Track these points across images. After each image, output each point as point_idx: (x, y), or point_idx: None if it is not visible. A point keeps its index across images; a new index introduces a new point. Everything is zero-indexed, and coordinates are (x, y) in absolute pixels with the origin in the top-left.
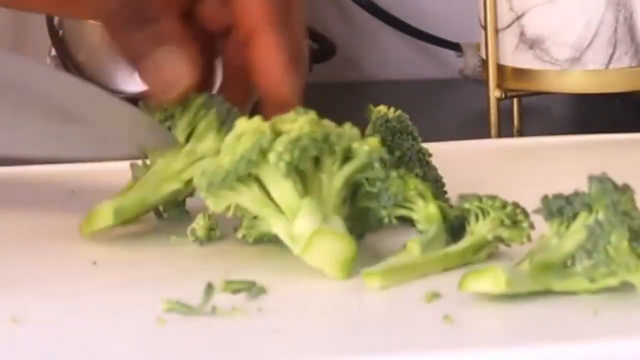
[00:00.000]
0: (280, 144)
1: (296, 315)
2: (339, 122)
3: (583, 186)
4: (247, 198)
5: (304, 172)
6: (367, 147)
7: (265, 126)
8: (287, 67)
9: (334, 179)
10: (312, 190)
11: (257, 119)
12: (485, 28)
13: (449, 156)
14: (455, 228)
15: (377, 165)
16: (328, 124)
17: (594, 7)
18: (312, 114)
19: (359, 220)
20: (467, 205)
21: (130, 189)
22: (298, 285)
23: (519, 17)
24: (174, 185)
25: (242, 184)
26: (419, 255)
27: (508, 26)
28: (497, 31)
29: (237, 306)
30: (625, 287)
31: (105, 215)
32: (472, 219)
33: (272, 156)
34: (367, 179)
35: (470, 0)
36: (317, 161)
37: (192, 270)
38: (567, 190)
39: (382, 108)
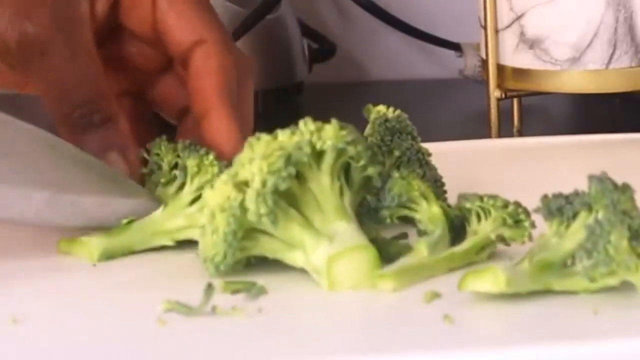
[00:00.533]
0: (250, 202)
1: (296, 315)
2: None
3: (583, 186)
4: (257, 251)
5: (293, 196)
6: (329, 132)
7: (230, 190)
8: (237, 145)
9: (321, 180)
10: (309, 205)
11: (219, 187)
12: (485, 28)
13: (449, 156)
14: (455, 228)
15: (347, 138)
16: (281, 136)
17: (594, 7)
18: (260, 138)
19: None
20: (468, 205)
21: (121, 231)
22: (298, 285)
23: (519, 17)
24: (164, 241)
25: (245, 242)
26: (427, 256)
27: (508, 26)
28: (497, 31)
29: (237, 306)
30: (625, 287)
31: (91, 251)
32: (473, 218)
33: (251, 217)
34: (351, 157)
35: (470, 0)
36: (298, 176)
37: (192, 271)
38: (567, 190)
39: (382, 108)
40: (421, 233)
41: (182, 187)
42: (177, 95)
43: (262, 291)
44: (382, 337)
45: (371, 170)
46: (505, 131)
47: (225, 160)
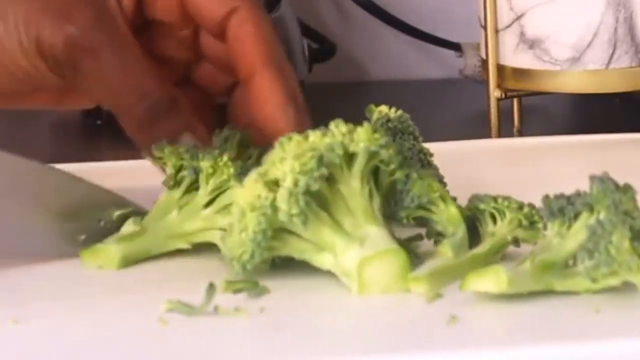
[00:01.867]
0: (282, 202)
1: (298, 315)
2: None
3: (583, 186)
4: (284, 252)
5: (323, 197)
6: (361, 135)
7: (260, 188)
8: (284, 104)
9: (351, 183)
10: (338, 207)
11: (249, 186)
12: (485, 28)
13: (449, 156)
14: (469, 229)
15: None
16: (313, 137)
17: (594, 7)
18: (291, 137)
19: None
20: (482, 206)
21: (139, 235)
22: (300, 285)
23: (519, 17)
24: (181, 245)
25: (273, 242)
26: (451, 258)
27: (508, 26)
28: (497, 31)
29: (240, 306)
30: (626, 287)
31: (111, 258)
32: (487, 219)
33: (282, 217)
34: (381, 161)
35: (470, 0)
36: (328, 178)
37: (194, 270)
38: (567, 190)
39: (383, 108)
40: (432, 234)
41: (189, 189)
42: (218, 77)
43: (264, 291)
44: (384, 337)
45: (399, 174)
46: (505, 131)
47: (269, 123)
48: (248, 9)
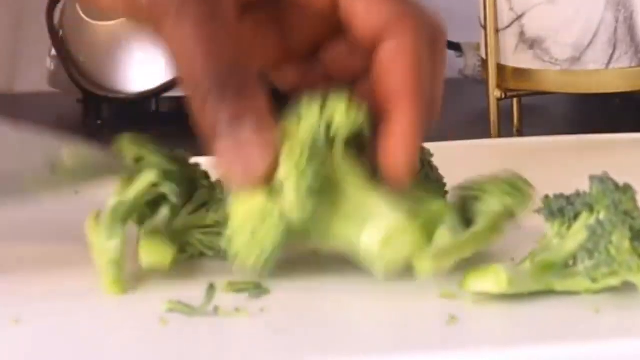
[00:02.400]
0: (292, 211)
1: (299, 315)
2: None
3: (583, 186)
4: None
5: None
6: (337, 116)
7: (262, 200)
8: (410, 155)
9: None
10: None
11: (249, 198)
12: (485, 28)
13: (449, 156)
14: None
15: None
16: (289, 125)
17: (593, 7)
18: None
19: None
20: (462, 193)
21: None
22: (300, 285)
23: (519, 17)
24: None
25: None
26: (454, 239)
27: (508, 26)
28: (497, 31)
29: (240, 306)
30: (626, 287)
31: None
32: (473, 202)
33: (293, 226)
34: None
35: (470, 0)
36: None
37: (195, 270)
38: (567, 190)
39: None
40: None
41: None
42: (348, 61)
43: (265, 292)
44: (384, 337)
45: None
46: (505, 131)
47: (391, 168)
48: (413, 40)
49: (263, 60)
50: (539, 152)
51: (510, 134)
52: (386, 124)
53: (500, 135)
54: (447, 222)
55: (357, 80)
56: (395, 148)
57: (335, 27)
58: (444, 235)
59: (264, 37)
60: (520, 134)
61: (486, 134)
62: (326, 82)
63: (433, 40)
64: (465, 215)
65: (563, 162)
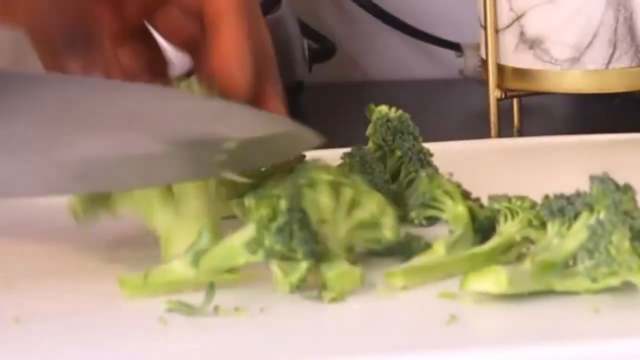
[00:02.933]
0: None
1: (299, 315)
2: (339, 122)
3: (583, 186)
4: None
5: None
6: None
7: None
8: (241, 63)
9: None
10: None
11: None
12: (485, 28)
13: (449, 156)
14: (485, 229)
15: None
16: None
17: (594, 7)
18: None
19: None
20: (496, 206)
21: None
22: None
23: (519, 17)
24: None
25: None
26: (444, 256)
27: (508, 26)
28: (497, 31)
29: (239, 306)
30: (626, 287)
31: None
32: (501, 219)
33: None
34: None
35: (470, 0)
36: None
37: None
38: (567, 190)
39: (384, 108)
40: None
41: None
42: (182, 25)
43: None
44: (383, 337)
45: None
46: (505, 131)
47: (224, 72)
48: None
49: (105, 33)
50: (539, 152)
51: (510, 134)
52: (216, 37)
53: (500, 135)
54: (454, 233)
55: (191, 45)
56: (227, 54)
57: None
58: (437, 250)
59: (102, 12)
60: (520, 134)
61: (486, 134)
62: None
63: None
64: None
65: (563, 162)
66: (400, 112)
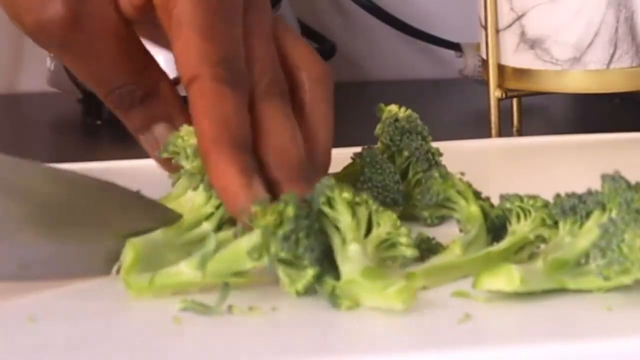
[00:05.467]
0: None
1: (312, 314)
2: (339, 122)
3: (584, 186)
4: None
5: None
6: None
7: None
8: (242, 183)
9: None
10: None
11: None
12: (485, 28)
13: (449, 156)
14: (496, 228)
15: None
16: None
17: (594, 7)
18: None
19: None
20: (508, 205)
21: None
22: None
23: (519, 17)
24: None
25: None
26: (460, 255)
27: (509, 26)
28: (497, 31)
29: (254, 305)
30: (638, 285)
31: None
32: (513, 218)
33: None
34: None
35: (470, 0)
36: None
37: None
38: (567, 189)
39: (393, 107)
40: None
41: None
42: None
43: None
44: (396, 336)
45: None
46: (505, 131)
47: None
48: (208, 80)
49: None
50: (539, 152)
51: (510, 134)
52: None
53: (500, 135)
54: (469, 233)
55: None
56: (223, 189)
57: None
58: (453, 249)
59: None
60: (520, 133)
61: (486, 134)
62: None
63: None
64: (503, 226)
65: (563, 162)
66: (409, 111)
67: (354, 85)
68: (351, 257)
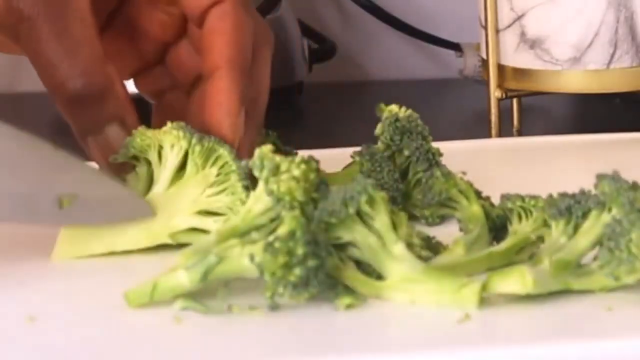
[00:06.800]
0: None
1: (312, 313)
2: (339, 122)
3: (584, 185)
4: None
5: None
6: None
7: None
8: (234, 113)
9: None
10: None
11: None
12: (485, 28)
13: (449, 156)
14: (497, 228)
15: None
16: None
17: (595, 7)
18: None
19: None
20: (509, 205)
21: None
22: None
23: (519, 17)
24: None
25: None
26: (463, 255)
27: (509, 26)
28: (497, 31)
29: (254, 305)
30: (638, 285)
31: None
32: (514, 218)
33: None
34: None
35: (470, 0)
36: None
37: None
38: (568, 189)
39: (394, 107)
40: (463, 231)
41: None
42: (191, 62)
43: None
44: (397, 336)
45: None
46: (505, 131)
47: (213, 125)
48: (233, 5)
49: (122, 71)
50: (539, 152)
51: (509, 134)
52: (208, 86)
53: (500, 136)
54: (471, 232)
55: (192, 87)
56: (218, 104)
57: (180, 30)
58: (456, 249)
59: (119, 50)
60: (520, 133)
61: (486, 134)
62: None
63: (256, 25)
64: (504, 227)
65: (563, 162)
66: (409, 111)
67: (354, 85)
68: (399, 256)
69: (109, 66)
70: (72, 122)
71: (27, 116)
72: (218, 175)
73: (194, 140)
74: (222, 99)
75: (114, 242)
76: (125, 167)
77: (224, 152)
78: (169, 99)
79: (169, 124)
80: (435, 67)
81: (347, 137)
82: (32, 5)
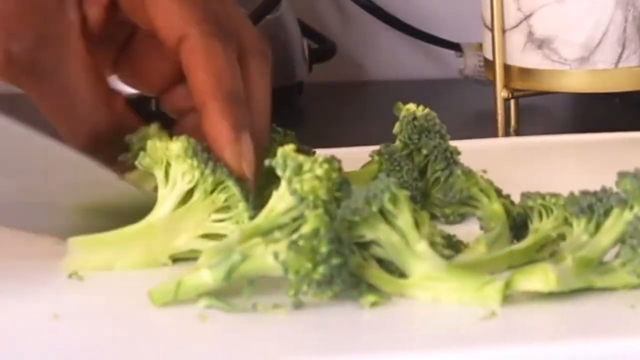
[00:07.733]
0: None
1: (337, 311)
2: (339, 122)
3: (584, 185)
4: None
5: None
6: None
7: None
8: (227, 141)
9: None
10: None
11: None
12: (492, 28)
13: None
14: (517, 226)
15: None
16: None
17: (603, 7)
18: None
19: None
20: (530, 203)
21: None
22: None
23: (527, 17)
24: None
25: None
26: (484, 253)
27: (515, 26)
28: (504, 31)
29: (278, 303)
30: None
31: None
32: (535, 216)
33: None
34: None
35: (471, 0)
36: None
37: None
38: (567, 189)
39: (411, 106)
40: (483, 229)
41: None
42: (185, 102)
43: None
44: (423, 333)
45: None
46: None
47: (220, 156)
48: (198, 37)
49: (147, 90)
50: (539, 152)
51: (509, 134)
52: (201, 123)
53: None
54: (493, 230)
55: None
56: (213, 139)
57: (179, 73)
58: (478, 247)
59: (143, 69)
60: (517, 133)
61: (487, 134)
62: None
63: (240, 46)
64: (527, 225)
65: (563, 162)
66: (427, 110)
67: (354, 85)
68: (421, 254)
69: (116, 101)
70: (92, 155)
71: (27, 116)
72: (225, 200)
73: (206, 172)
74: (214, 133)
75: (114, 259)
76: (128, 165)
77: (230, 184)
78: (192, 117)
79: (184, 141)
80: (436, 67)
81: (347, 137)
82: (31, 52)
